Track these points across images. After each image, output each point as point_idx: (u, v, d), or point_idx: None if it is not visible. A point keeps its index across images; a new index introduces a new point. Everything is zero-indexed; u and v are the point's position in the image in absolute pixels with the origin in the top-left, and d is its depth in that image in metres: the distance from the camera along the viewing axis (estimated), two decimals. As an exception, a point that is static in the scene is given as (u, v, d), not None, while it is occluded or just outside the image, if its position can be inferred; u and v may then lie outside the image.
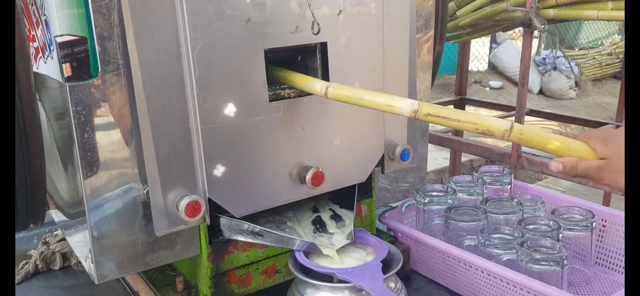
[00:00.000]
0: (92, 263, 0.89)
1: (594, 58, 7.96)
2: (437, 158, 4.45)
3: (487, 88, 7.54)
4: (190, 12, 0.85)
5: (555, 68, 7.37)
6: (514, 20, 1.86)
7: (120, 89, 0.84)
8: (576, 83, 7.58)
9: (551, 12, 1.75)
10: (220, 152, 0.92)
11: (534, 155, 1.86)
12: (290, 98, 0.98)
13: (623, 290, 0.99)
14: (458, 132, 2.53)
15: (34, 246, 1.37)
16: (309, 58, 1.01)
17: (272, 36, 0.93)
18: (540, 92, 7.46)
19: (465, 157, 3.86)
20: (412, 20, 1.15)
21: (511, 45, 7.92)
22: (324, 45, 1.00)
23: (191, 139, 0.89)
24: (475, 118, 0.83)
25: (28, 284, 1.25)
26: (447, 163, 3.62)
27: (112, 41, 0.82)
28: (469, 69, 7.45)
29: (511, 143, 1.92)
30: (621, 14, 1.63)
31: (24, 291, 1.21)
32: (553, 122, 3.03)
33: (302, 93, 0.99)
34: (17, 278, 1.25)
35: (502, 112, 2.59)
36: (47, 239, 1.35)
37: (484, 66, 8.13)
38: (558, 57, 7.20)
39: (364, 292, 0.89)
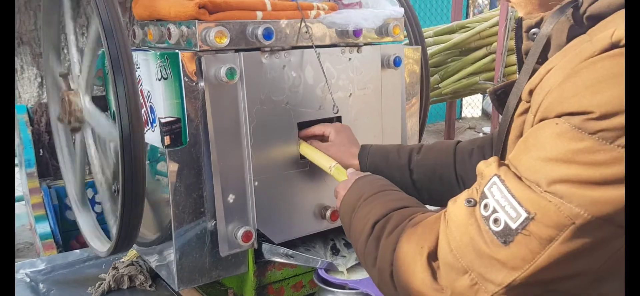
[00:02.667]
0: (174, 275, 1.24)
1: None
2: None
3: (480, 134, 7.96)
4: (248, 99, 1.23)
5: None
6: (485, 89, 2.27)
7: (200, 154, 1.21)
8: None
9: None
10: (266, 196, 1.28)
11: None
12: (315, 156, 1.35)
13: None
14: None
15: (103, 271, 1.71)
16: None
17: (303, 113, 1.32)
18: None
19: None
20: (402, 96, 1.53)
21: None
22: (338, 119, 1.38)
23: (246, 187, 1.26)
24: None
25: (104, 300, 1.59)
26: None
27: (197, 120, 1.20)
28: (464, 115, 7.83)
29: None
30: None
31: (103, 304, 1.56)
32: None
33: (323, 153, 1.36)
34: (95, 295, 1.59)
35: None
36: (116, 265, 1.69)
37: (477, 113, 8.56)
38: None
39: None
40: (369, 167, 1.28)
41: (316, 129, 1.34)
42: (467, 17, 6.55)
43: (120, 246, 1.28)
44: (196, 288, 1.45)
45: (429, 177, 1.24)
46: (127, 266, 1.69)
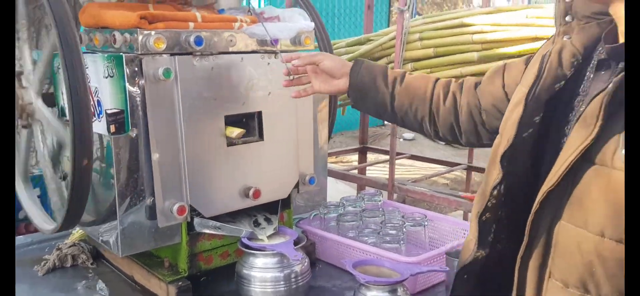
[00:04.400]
0: (119, 243, 1.47)
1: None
2: (345, 189, 5.15)
3: (401, 139, 8.46)
4: (182, 95, 1.48)
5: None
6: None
7: (140, 140, 1.45)
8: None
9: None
10: (198, 176, 1.53)
11: (402, 183, 2.61)
12: (240, 144, 1.62)
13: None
14: (360, 171, 3.25)
15: (47, 253, 1.88)
16: (251, 121, 1.66)
17: (229, 108, 1.58)
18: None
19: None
20: (314, 98, 1.83)
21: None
22: (260, 113, 1.65)
23: (180, 168, 1.51)
24: None
25: (47, 276, 1.77)
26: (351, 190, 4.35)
27: (137, 112, 1.43)
28: (386, 122, 8.24)
29: (388, 175, 2.66)
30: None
31: (49, 279, 1.74)
32: (427, 164, 3.89)
33: (247, 141, 1.63)
34: (40, 273, 1.77)
35: (387, 156, 3.37)
36: (60, 246, 1.87)
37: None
38: (459, 112, 8.27)
39: (283, 257, 1.52)
40: (358, 84, 1.43)
41: (306, 58, 1.50)
42: (389, 24, 7.05)
43: (68, 224, 1.48)
44: (135, 260, 1.67)
45: (406, 109, 1.41)
46: (70, 247, 1.87)
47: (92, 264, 1.83)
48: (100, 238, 1.59)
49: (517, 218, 0.98)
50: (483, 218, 1.03)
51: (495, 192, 1.01)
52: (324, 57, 1.49)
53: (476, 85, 1.34)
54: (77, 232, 1.91)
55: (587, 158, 0.84)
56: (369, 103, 1.46)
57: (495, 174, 1.00)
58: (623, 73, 0.81)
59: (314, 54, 1.52)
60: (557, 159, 0.88)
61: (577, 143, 0.85)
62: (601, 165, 0.82)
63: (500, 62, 1.32)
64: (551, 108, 0.99)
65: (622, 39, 0.87)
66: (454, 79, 1.43)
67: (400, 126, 1.48)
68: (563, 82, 0.97)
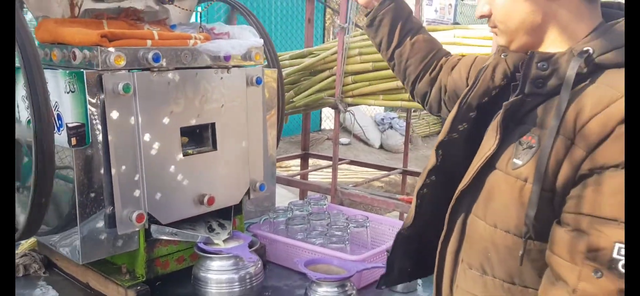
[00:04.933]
0: (79, 251, 1.52)
1: (423, 118, 9.54)
2: (286, 194, 5.29)
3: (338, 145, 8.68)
4: (141, 109, 1.56)
5: (391, 127, 8.76)
6: (329, 103, 2.81)
7: (100, 152, 1.51)
8: (410, 139, 9.04)
9: (349, 100, 2.75)
10: (155, 186, 1.61)
11: (343, 188, 2.78)
12: (195, 154, 1.71)
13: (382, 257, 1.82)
14: (303, 176, 3.39)
15: (-4, 264, 1.89)
16: (205, 132, 1.76)
17: (185, 120, 1.67)
18: (381, 147, 8.78)
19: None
20: (264, 108, 1.95)
21: (357, 109, 9.23)
22: (213, 125, 1.75)
23: (138, 178, 1.58)
24: None
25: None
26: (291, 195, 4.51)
27: (97, 126, 1.50)
28: (323, 127, 8.43)
29: (331, 180, 2.83)
30: (388, 103, 2.66)
31: None
32: (368, 168, 4.10)
33: (201, 151, 1.73)
34: (-9, 284, 1.78)
35: (328, 161, 3.54)
36: (10, 257, 1.88)
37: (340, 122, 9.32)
38: (393, 119, 8.63)
39: (238, 259, 1.63)
40: (380, 17, 1.47)
41: None
42: (324, 40, 7.26)
43: (27, 233, 1.52)
44: (90, 267, 1.72)
45: (402, 59, 1.48)
46: (22, 256, 1.89)
47: (44, 273, 1.86)
48: (59, 246, 1.63)
49: (446, 205, 1.13)
50: (421, 193, 1.19)
51: (432, 176, 1.17)
52: None
53: (453, 67, 1.44)
54: (27, 241, 1.92)
55: (491, 164, 1.02)
56: (379, 36, 1.51)
57: (433, 160, 1.16)
58: (517, 97, 0.99)
59: None
60: (472, 163, 1.06)
61: (484, 150, 1.03)
62: (500, 170, 1.00)
63: (474, 54, 1.43)
64: (484, 111, 1.14)
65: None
66: (452, 53, 1.52)
67: (387, 60, 1.55)
68: (494, 92, 1.13)
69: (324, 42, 7.13)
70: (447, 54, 1.51)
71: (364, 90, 2.77)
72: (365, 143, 8.71)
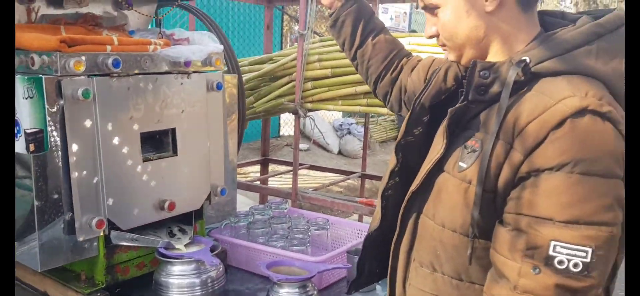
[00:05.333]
0: (38, 258, 1.50)
1: (381, 124, 9.70)
2: (245, 200, 5.29)
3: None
4: (100, 114, 1.55)
5: (349, 133, 8.87)
6: (289, 109, 2.85)
7: (59, 158, 1.50)
8: (368, 144, 9.17)
9: (309, 105, 2.80)
10: (115, 191, 1.61)
11: (304, 192, 2.83)
12: (155, 160, 1.72)
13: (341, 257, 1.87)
14: (263, 182, 3.41)
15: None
16: (166, 137, 1.77)
17: (145, 125, 1.67)
18: (339, 152, 8.86)
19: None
20: (224, 113, 1.97)
21: (316, 114, 9.29)
22: (173, 130, 1.76)
23: (98, 184, 1.58)
24: None
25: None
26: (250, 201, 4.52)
27: (56, 132, 1.48)
28: (282, 133, 8.46)
29: (291, 184, 2.87)
30: (347, 108, 2.73)
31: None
32: (327, 173, 4.16)
33: (162, 156, 1.73)
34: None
35: (288, 167, 3.57)
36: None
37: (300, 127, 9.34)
38: (351, 124, 8.74)
39: (199, 263, 1.64)
40: (343, 18, 1.50)
41: None
42: (282, 46, 7.31)
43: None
44: (48, 275, 1.70)
45: (364, 59, 1.52)
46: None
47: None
48: (16, 254, 1.60)
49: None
50: (385, 194, 1.23)
51: (395, 178, 1.21)
52: None
53: (413, 68, 1.47)
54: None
55: (439, 167, 1.08)
56: (342, 37, 1.55)
57: (394, 162, 1.20)
58: (461, 104, 1.06)
59: None
60: (422, 165, 1.12)
61: (433, 154, 1.09)
62: (447, 172, 1.07)
63: (433, 56, 1.48)
64: (438, 114, 1.18)
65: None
66: (412, 53, 1.56)
67: (350, 59, 1.59)
68: (446, 95, 1.19)
69: (282, 48, 7.18)
70: (409, 55, 1.56)
71: (323, 96, 2.82)
72: (324, 148, 8.78)
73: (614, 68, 0.98)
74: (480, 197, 0.98)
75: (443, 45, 1.13)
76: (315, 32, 2.87)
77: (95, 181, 1.57)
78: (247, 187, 3.18)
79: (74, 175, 1.52)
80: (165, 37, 1.89)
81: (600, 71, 0.98)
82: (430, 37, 1.15)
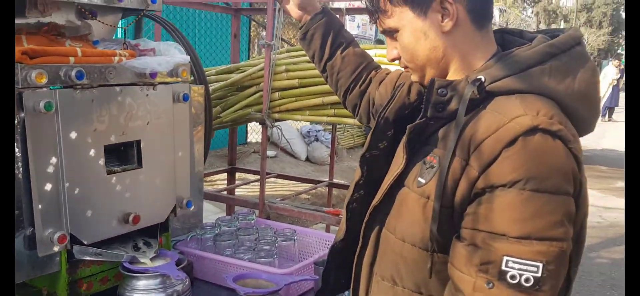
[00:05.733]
0: (-4, 276, 1.46)
1: (348, 131, 9.76)
2: (213, 209, 5.24)
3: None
4: (63, 127, 1.52)
5: (317, 139, 8.89)
6: (256, 119, 2.85)
7: (20, 171, 1.46)
8: (336, 151, 9.21)
9: (276, 115, 2.81)
10: (78, 205, 1.58)
11: (271, 202, 2.83)
12: (119, 173, 1.69)
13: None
14: (230, 191, 3.39)
15: None
16: (130, 149, 1.74)
17: (109, 138, 1.65)
18: (307, 159, 8.88)
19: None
20: (190, 124, 1.95)
21: (284, 121, 9.27)
22: (138, 142, 1.74)
23: (60, 198, 1.54)
24: None
25: None
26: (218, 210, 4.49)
27: (17, 145, 1.45)
28: (249, 140, 8.40)
29: (259, 195, 2.87)
30: (314, 118, 2.75)
31: None
32: (294, 182, 4.17)
33: (126, 169, 1.71)
34: None
35: (255, 176, 3.55)
36: None
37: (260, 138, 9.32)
38: (319, 131, 8.76)
39: (165, 277, 1.62)
40: (312, 31, 1.52)
41: None
42: (249, 53, 7.29)
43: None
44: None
45: (334, 71, 1.54)
46: None
47: (-46, 300, 1.75)
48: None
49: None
50: (350, 207, 1.24)
51: (360, 191, 1.23)
52: None
53: (381, 81, 1.51)
54: None
55: (400, 182, 1.10)
56: (312, 49, 1.56)
57: (358, 174, 1.22)
58: (420, 120, 1.08)
59: None
60: (384, 180, 1.14)
61: (394, 168, 1.12)
62: (407, 187, 1.09)
63: (400, 70, 1.47)
64: (402, 128, 1.19)
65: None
66: (381, 66, 1.58)
67: (320, 71, 1.61)
68: (409, 110, 1.21)
69: (249, 56, 7.15)
70: (377, 68, 1.59)
71: (291, 106, 2.83)
72: (292, 155, 8.78)
73: (566, 87, 1.03)
74: (438, 212, 1.00)
75: (405, 67, 1.16)
76: (283, 39, 2.87)
77: (57, 195, 1.54)
78: (214, 196, 3.15)
79: (36, 188, 1.49)
80: (131, 47, 1.87)
81: (553, 90, 1.02)
82: (392, 60, 1.18)
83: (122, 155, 1.74)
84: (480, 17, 1.09)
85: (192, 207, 1.95)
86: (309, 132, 8.92)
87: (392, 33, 1.14)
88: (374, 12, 1.16)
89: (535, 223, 0.92)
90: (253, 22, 7.82)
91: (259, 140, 9.21)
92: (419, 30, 1.09)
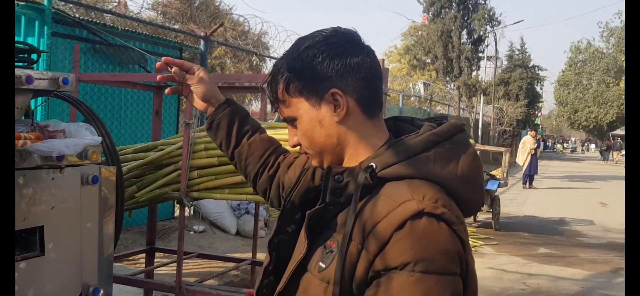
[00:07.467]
0: None
1: (278, 203, 9.71)
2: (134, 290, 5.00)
3: (191, 232, 8.46)
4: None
5: (247, 212, 8.79)
6: (174, 198, 2.82)
7: None
8: (265, 223, 9.12)
9: (195, 194, 2.80)
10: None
11: (188, 285, 2.76)
12: (19, 261, 1.62)
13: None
14: (148, 274, 3.28)
15: None
16: (32, 236, 1.67)
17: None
18: (237, 232, 8.72)
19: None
20: (100, 207, 1.91)
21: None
22: (41, 228, 1.68)
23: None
24: None
25: None
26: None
27: None
28: (176, 215, 8.14)
29: (176, 278, 2.80)
30: (234, 197, 2.77)
31: None
32: (217, 261, 4.09)
33: (27, 257, 1.63)
34: None
35: (173, 256, 3.45)
36: None
37: (190, 212, 9.08)
38: (249, 204, 8.69)
39: None
40: (217, 121, 1.51)
41: (186, 64, 1.49)
42: (177, 129, 7.23)
43: None
44: None
45: (242, 158, 1.53)
46: None
47: None
48: None
49: None
50: (260, 293, 1.23)
51: (270, 276, 1.23)
52: (199, 82, 1.50)
53: (289, 165, 1.52)
54: None
55: (303, 266, 1.13)
56: (219, 138, 1.55)
57: (267, 260, 1.23)
58: (320, 206, 1.12)
59: (191, 76, 1.51)
60: (288, 265, 1.16)
61: (297, 254, 1.15)
62: (310, 272, 1.12)
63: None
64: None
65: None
66: (288, 151, 1.60)
67: (229, 159, 1.61)
68: (313, 194, 1.24)
69: (177, 130, 7.07)
70: (286, 152, 1.62)
71: (210, 184, 2.82)
72: (222, 229, 8.59)
73: (450, 171, 1.11)
74: None
75: (305, 153, 1.21)
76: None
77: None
78: (128, 281, 3.04)
79: None
80: (39, 129, 1.83)
81: (438, 175, 1.10)
82: (293, 145, 1.23)
83: (23, 242, 1.67)
84: (370, 107, 1.17)
85: (100, 294, 1.88)
86: (239, 204, 8.81)
87: (292, 121, 1.20)
88: (274, 102, 1.21)
89: None
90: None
91: (186, 214, 8.98)
92: (315, 119, 1.15)
